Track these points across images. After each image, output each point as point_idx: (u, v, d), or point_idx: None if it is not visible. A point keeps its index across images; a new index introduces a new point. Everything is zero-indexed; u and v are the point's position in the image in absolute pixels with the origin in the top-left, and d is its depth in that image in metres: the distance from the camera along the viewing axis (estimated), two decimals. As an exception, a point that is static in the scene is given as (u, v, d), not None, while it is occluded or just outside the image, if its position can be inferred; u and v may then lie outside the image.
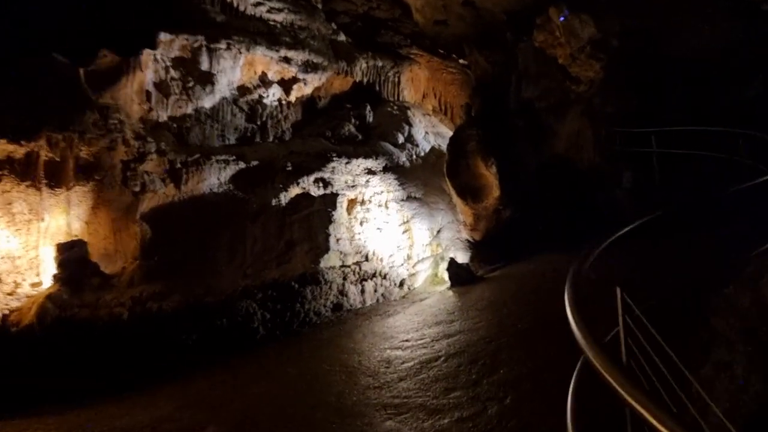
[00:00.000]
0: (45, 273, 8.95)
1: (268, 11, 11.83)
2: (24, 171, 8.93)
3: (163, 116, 10.11)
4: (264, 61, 11.36)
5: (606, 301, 3.18)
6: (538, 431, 4.28)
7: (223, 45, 10.63)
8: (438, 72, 15.78)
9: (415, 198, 11.58)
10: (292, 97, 11.97)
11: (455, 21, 13.99)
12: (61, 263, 8.59)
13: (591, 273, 3.66)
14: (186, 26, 10.44)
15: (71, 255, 8.64)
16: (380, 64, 13.91)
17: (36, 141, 8.81)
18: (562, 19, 11.46)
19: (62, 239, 8.96)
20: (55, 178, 8.95)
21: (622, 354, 2.82)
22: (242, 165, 10.27)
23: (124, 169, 9.29)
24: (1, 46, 9.43)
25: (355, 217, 10.81)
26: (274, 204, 10.12)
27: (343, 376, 6.41)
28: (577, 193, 11.63)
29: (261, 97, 11.40)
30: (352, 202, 10.93)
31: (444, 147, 13.00)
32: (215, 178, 9.95)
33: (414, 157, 12.66)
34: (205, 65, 10.54)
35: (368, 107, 13.12)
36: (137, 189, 9.26)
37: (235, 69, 10.93)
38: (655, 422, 1.46)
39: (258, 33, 11.36)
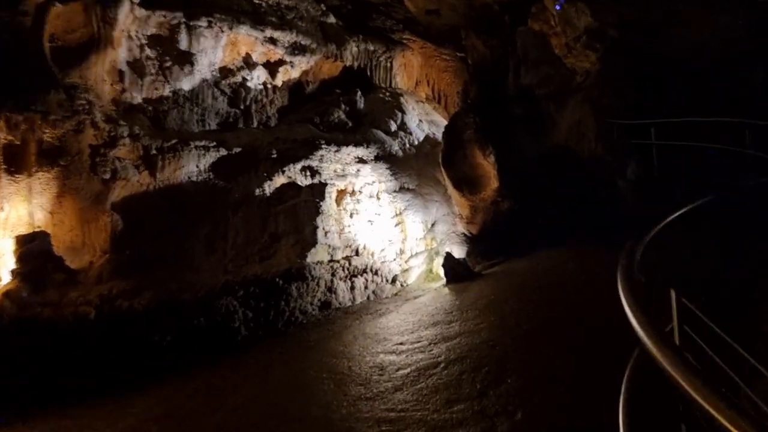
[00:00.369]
0: (3, 268, 8.20)
1: (253, -12, 11.14)
2: (-20, 156, 8.19)
3: (138, 98, 9.38)
4: (248, 41, 10.64)
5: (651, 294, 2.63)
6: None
7: (203, 23, 9.91)
8: (431, 59, 15.14)
9: (408, 189, 10.95)
10: (278, 81, 11.26)
11: (447, 11, 13.47)
12: (21, 257, 7.86)
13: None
14: (164, 2, 9.69)
15: (32, 248, 7.91)
16: (372, 48, 13.24)
17: (-8, 122, 8.07)
18: (557, 7, 11.03)
19: (23, 231, 8.22)
20: (15, 163, 8.22)
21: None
22: (223, 152, 9.58)
23: (92, 155, 8.56)
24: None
25: (344, 209, 10.16)
26: (257, 194, 9.46)
27: (331, 384, 5.78)
28: (578, 184, 11.15)
29: (245, 79, 10.68)
30: (341, 193, 10.28)
31: (439, 136, 12.38)
32: (194, 165, 9.26)
33: (407, 145, 12.02)
34: (184, 44, 9.81)
35: (359, 93, 12.45)
36: (107, 176, 8.55)
37: (216, 49, 10.21)
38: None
39: (242, 11, 10.64)
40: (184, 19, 9.78)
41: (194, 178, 9.23)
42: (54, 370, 7.01)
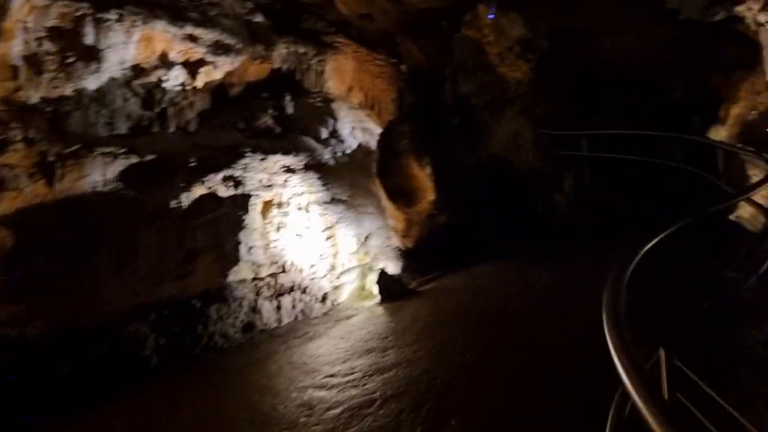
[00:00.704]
0: None
1: (172, -19, 10.27)
2: None
3: (35, 97, 8.33)
4: (165, 38, 9.77)
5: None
6: None
7: (113, 16, 8.97)
8: (365, 63, 14.66)
9: (340, 200, 10.40)
10: (199, 82, 10.41)
11: (380, 15, 13.24)
12: None
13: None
14: (67, -10, 8.72)
15: None
16: (302, 50, 12.60)
17: None
18: (491, 16, 10.98)
19: None
20: None
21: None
22: (134, 159, 8.69)
23: (-24, 161, 7.51)
24: None
25: (270, 222, 9.48)
26: (173, 206, 8.63)
27: (252, 428, 5.13)
28: (516, 196, 11.04)
29: (161, 80, 9.78)
30: (267, 205, 9.60)
31: (372, 144, 11.91)
32: (100, 174, 8.32)
33: (339, 154, 11.46)
34: (90, 38, 8.84)
35: (288, 97, 11.78)
36: (-6, 186, 7.52)
37: (128, 45, 9.28)
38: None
39: (159, 5, 9.74)
40: (90, 11, 8.80)
41: (100, 189, 8.29)
42: None
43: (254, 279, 9.01)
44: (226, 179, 9.22)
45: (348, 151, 11.81)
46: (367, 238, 10.40)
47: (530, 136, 11.01)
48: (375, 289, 9.35)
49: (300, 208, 9.92)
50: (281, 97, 11.81)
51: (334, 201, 10.33)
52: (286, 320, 9.10)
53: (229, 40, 10.93)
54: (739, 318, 4.54)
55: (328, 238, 10.06)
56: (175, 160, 9.04)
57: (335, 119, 12.20)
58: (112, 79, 9.17)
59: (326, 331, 8.30)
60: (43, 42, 8.48)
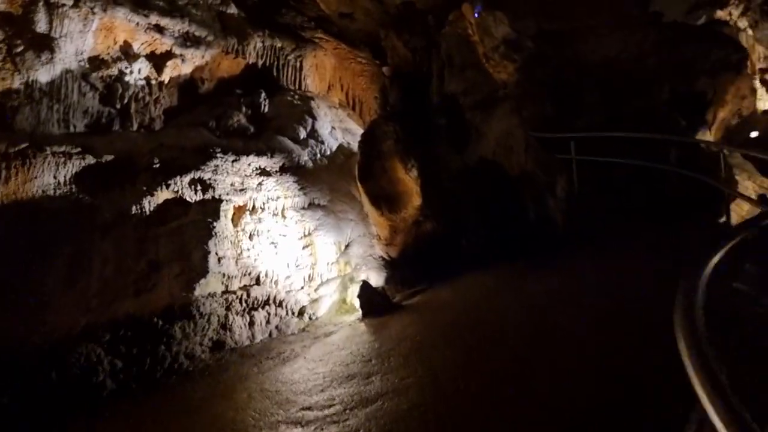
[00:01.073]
0: None
1: (137, -34, 9.47)
2: None
3: (-23, 90, 7.53)
4: (128, 27, 9.00)
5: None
6: None
7: (68, 1, 8.19)
8: (346, 61, 14.01)
9: (319, 205, 9.70)
10: (166, 77, 9.65)
11: (361, 15, 12.72)
12: None
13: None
14: (16, -28, 7.89)
15: None
16: (279, 44, 11.90)
17: None
18: (476, 14, 10.51)
19: None
20: None
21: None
22: (91, 160, 7.90)
23: None
24: None
25: (243, 229, 8.75)
26: (134, 212, 7.86)
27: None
28: (507, 202, 10.43)
29: (122, 73, 9.00)
30: (240, 210, 8.86)
31: (354, 145, 11.23)
32: (51, 176, 7.52)
33: (318, 156, 10.76)
34: (42, 26, 8.04)
35: (263, 94, 11.06)
36: (-74, 189, 6.68)
37: (85, 34, 8.49)
38: None
39: (121, -9, 8.98)
40: (43, -4, 8.03)
41: (51, 193, 7.49)
42: None
43: (224, 292, 8.26)
44: (193, 182, 8.47)
45: (328, 153, 11.13)
46: (347, 246, 9.71)
47: (522, 138, 10.44)
48: (356, 303, 8.66)
49: (275, 214, 9.21)
50: (256, 94, 11.09)
51: (312, 206, 9.64)
52: (259, 337, 8.37)
53: (199, 32, 10.19)
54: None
55: (305, 247, 9.36)
56: (137, 161, 8.27)
57: (314, 118, 11.50)
58: (67, 71, 8.36)
59: (303, 351, 7.57)
60: (-13, 29, 7.68)
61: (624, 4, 10.35)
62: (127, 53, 9.10)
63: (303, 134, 10.97)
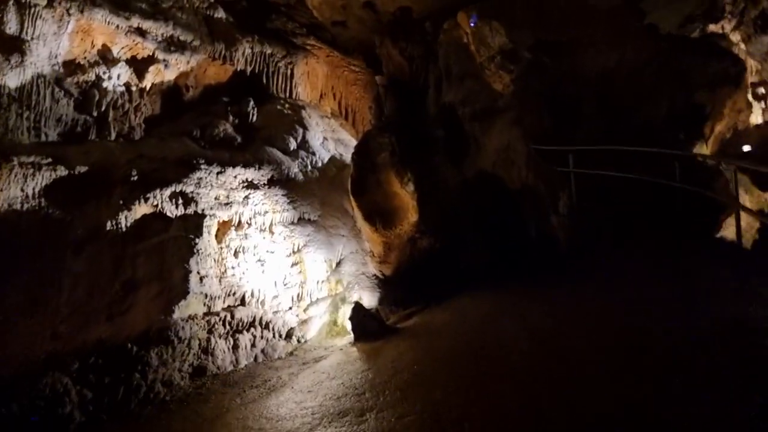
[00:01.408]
0: None
1: (117, -34, 8.97)
2: None
3: (-61, 95, 6.97)
4: (107, 30, 8.47)
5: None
6: None
7: (41, 1, 7.65)
8: (339, 69, 13.57)
9: (309, 220, 9.19)
10: (147, 83, 9.12)
11: (355, 23, 12.47)
12: None
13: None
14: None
15: None
16: (269, 51, 11.42)
17: None
18: (472, 24, 10.26)
19: None
20: None
21: None
22: (63, 171, 7.34)
23: None
24: None
25: (227, 246, 8.22)
26: (109, 228, 7.31)
27: None
28: (507, 218, 9.99)
29: (100, 78, 8.46)
30: (224, 226, 8.34)
31: (347, 157, 10.75)
32: (18, 188, 6.96)
33: (309, 168, 10.26)
34: (12, 27, 7.50)
35: (251, 103, 10.56)
36: None
37: (60, 37, 7.96)
38: None
39: (100, -8, 8.46)
40: (14, -5, 7.50)
41: (18, 207, 6.92)
42: None
43: (206, 314, 7.72)
44: (175, 196, 7.93)
45: (319, 165, 10.63)
46: (339, 263, 9.21)
47: (524, 150, 10.05)
48: (348, 325, 8.15)
49: (262, 230, 8.70)
50: (244, 103, 10.58)
51: (302, 221, 9.14)
52: (243, 362, 7.83)
53: (184, 36, 9.69)
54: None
55: (294, 264, 8.84)
56: (113, 173, 7.72)
57: (305, 128, 11.01)
58: (40, 76, 7.81)
59: (291, 380, 7.03)
60: (-49, 29, 7.14)
61: (620, 16, 10.17)
62: (106, 57, 8.58)
63: (293, 145, 10.46)
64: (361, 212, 9.32)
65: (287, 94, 11.93)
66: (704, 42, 11.15)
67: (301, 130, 10.87)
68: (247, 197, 8.68)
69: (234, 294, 8.10)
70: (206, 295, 7.74)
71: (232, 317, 7.96)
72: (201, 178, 8.28)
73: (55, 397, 6.20)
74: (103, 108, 8.55)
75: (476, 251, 9.51)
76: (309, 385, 6.71)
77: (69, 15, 7.95)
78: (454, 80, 10.49)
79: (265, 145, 9.91)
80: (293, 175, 9.86)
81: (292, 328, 8.46)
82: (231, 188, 8.60)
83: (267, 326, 8.24)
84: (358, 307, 8.18)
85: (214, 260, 7.99)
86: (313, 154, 10.72)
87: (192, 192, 8.08)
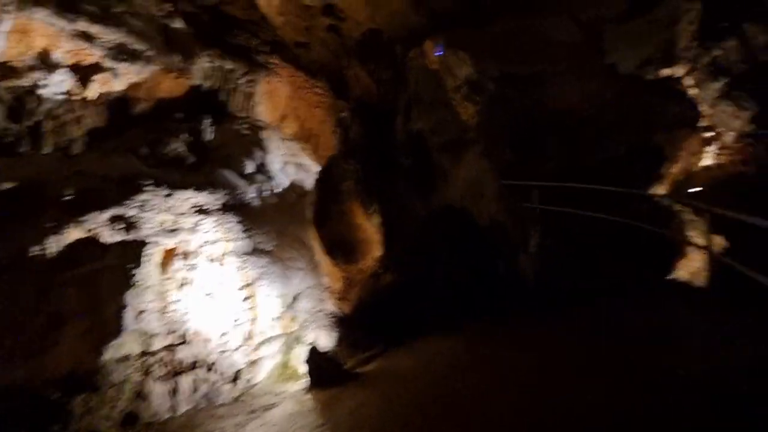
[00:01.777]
0: None
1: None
2: None
3: None
4: (48, 32, 7.69)
5: None
6: None
7: (-27, -4, 6.86)
8: (302, 90, 13.00)
9: (264, 251, 8.50)
10: (92, 93, 8.32)
11: (318, 46, 12.08)
12: None
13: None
14: None
15: None
16: (230, 66, 10.77)
17: None
18: (438, 53, 10.01)
19: None
20: None
21: None
22: (-16, 187, 6.48)
23: None
24: None
25: (172, 278, 7.45)
26: (34, 254, 6.46)
27: None
28: (475, 255, 9.56)
29: (37, 85, 7.63)
30: (169, 255, 7.58)
31: (308, 183, 10.15)
32: (-73, 205, 6.07)
33: (267, 193, 9.60)
34: (-63, 22, 6.67)
35: (208, 121, 9.85)
36: None
37: (-7, 36, 7.15)
38: None
39: (44, -10, 7.68)
40: (-59, -13, 6.68)
41: (-74, 226, 6.04)
42: None
43: (143, 354, 6.91)
44: (114, 220, 7.14)
45: (278, 191, 9.97)
46: (295, 299, 8.54)
47: (493, 184, 9.72)
48: (302, 368, 7.46)
49: (212, 260, 7.97)
50: (199, 120, 9.87)
51: (256, 252, 8.44)
52: (183, 408, 7.03)
53: (137, 45, 8.96)
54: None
55: (245, 299, 8.14)
56: (44, 191, 6.91)
57: (264, 151, 10.36)
58: (-35, 79, 6.98)
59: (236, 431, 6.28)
60: None
61: (583, 53, 10.20)
62: (46, 62, 7.77)
63: (251, 168, 9.78)
64: (322, 244, 8.70)
65: (246, 114, 11.27)
66: (663, 84, 11.30)
67: (260, 153, 10.21)
68: (197, 224, 7.95)
69: (176, 331, 7.31)
70: (143, 333, 6.94)
71: (173, 357, 7.17)
72: (146, 201, 7.52)
73: (-47, 453, 5.31)
74: (37, 117, 7.71)
75: (443, 289, 9.05)
76: (255, 441, 6.00)
77: (6, 12, 7.15)
78: (424, 107, 10.12)
79: (220, 167, 9.20)
80: (249, 201, 9.17)
81: (239, 370, 7.70)
82: (179, 213, 7.85)
83: (211, 367, 7.47)
84: (314, 352, 7.52)
85: (156, 293, 7.20)
86: (272, 178, 10.06)
87: (134, 216, 7.31)
